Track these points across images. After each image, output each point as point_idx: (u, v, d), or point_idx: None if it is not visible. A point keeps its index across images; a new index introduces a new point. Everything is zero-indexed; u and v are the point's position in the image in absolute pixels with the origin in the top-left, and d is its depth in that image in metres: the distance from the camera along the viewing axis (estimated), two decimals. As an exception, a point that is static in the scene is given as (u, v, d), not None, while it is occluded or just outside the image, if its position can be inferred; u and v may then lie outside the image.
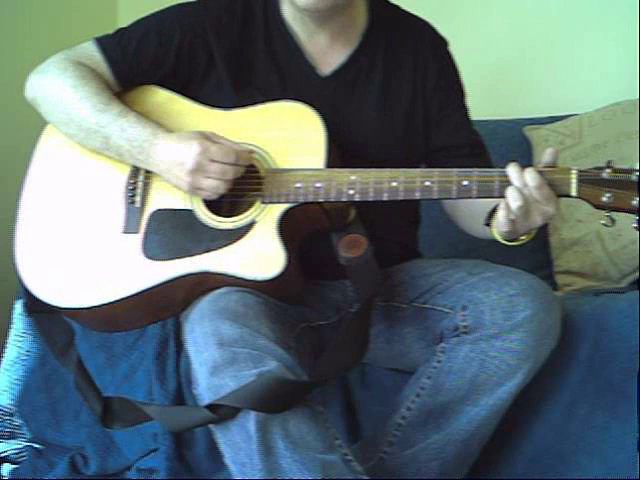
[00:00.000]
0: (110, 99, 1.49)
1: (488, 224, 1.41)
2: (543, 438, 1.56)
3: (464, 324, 1.44)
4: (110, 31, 1.58)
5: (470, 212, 1.55)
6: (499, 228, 1.36)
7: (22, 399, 1.89)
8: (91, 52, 1.55)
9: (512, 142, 2.29)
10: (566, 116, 2.28)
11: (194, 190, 1.42)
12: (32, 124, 1.58)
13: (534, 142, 2.26)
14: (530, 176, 1.32)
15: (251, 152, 1.44)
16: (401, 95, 1.58)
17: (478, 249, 1.74)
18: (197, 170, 1.39)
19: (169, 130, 1.46)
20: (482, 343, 1.42)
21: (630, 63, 2.28)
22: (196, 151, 1.39)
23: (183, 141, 1.41)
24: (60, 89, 1.50)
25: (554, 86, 2.47)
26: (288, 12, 1.56)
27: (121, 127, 1.45)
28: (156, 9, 1.59)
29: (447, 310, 1.48)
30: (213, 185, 1.41)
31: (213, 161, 1.39)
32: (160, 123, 1.49)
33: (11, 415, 1.89)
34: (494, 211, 1.37)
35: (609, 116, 2.20)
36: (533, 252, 2.11)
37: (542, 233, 2.16)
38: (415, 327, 1.54)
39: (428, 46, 1.62)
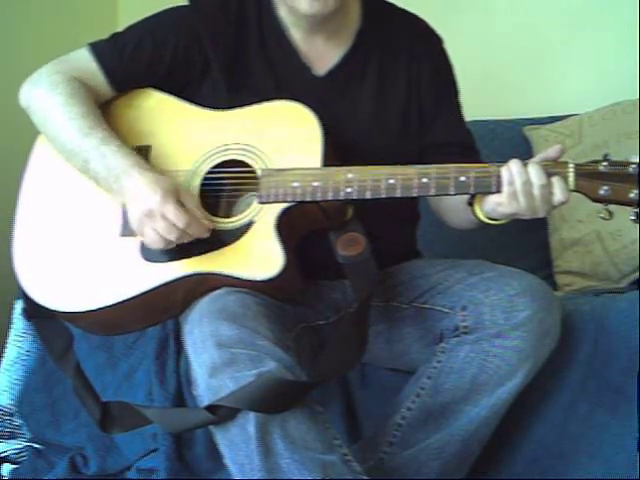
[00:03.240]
0: (96, 123, 1.48)
1: (471, 203, 1.41)
2: (543, 438, 1.56)
3: (464, 324, 1.44)
4: (110, 32, 1.58)
5: (453, 202, 1.55)
6: (500, 209, 1.37)
7: (22, 399, 1.89)
8: (86, 59, 1.54)
9: (512, 142, 2.29)
10: (566, 116, 2.29)
11: (138, 230, 1.42)
12: (32, 125, 1.58)
13: (534, 142, 2.26)
14: (534, 172, 1.33)
15: (208, 228, 1.42)
16: (396, 94, 1.58)
17: (478, 249, 1.75)
18: (146, 216, 1.39)
19: (146, 168, 1.44)
20: (482, 343, 1.42)
21: (630, 63, 2.28)
22: (154, 200, 1.38)
23: (152, 185, 1.40)
24: (49, 106, 1.50)
25: (554, 86, 2.47)
26: (283, 13, 1.56)
27: (102, 154, 1.45)
28: (156, 10, 1.58)
29: (447, 310, 1.48)
30: (152, 237, 1.40)
31: (164, 218, 1.38)
32: (155, 128, 1.51)
33: (11, 415, 1.89)
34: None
35: (609, 116, 2.20)
36: (533, 252, 2.12)
37: (542, 233, 2.16)
38: (415, 327, 1.54)
39: (423, 43, 1.61)
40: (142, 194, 1.40)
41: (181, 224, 1.38)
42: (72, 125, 1.47)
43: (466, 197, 1.44)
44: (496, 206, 1.38)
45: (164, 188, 1.40)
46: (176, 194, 1.40)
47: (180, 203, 1.40)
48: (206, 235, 1.42)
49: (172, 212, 1.38)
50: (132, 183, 1.42)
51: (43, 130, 1.54)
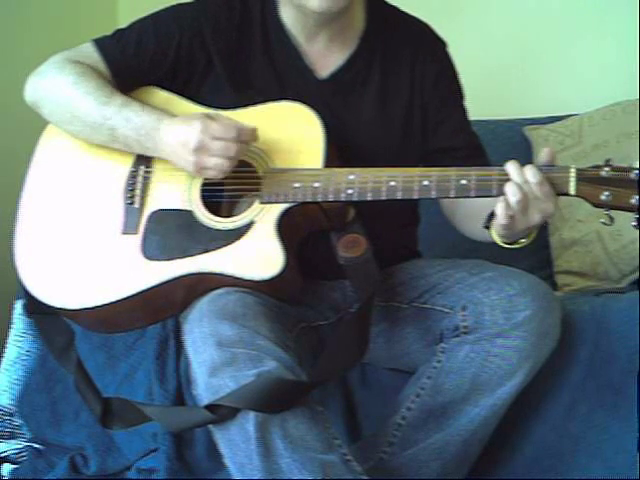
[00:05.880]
0: (112, 92, 1.49)
1: (487, 227, 1.40)
2: (543, 438, 1.56)
3: (464, 324, 1.44)
4: (110, 31, 1.58)
5: (469, 214, 1.54)
6: (498, 221, 1.34)
7: (22, 399, 1.88)
8: (90, 53, 1.55)
9: (512, 142, 2.29)
10: (566, 116, 2.29)
11: (200, 170, 1.42)
12: (32, 124, 1.58)
13: (534, 142, 2.26)
14: (531, 172, 1.31)
15: (254, 129, 1.43)
16: (399, 97, 1.58)
17: (478, 249, 1.74)
18: (200, 148, 1.39)
19: (171, 115, 1.46)
20: (482, 343, 1.42)
21: (630, 63, 2.28)
22: (197, 129, 1.39)
23: (186, 122, 1.42)
24: (61, 87, 1.50)
25: (554, 86, 2.47)
26: (287, 14, 1.55)
27: (126, 117, 1.46)
28: (156, 9, 1.59)
29: (447, 310, 1.48)
30: (217, 163, 1.40)
31: (215, 138, 1.39)
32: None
33: (11, 415, 1.89)
34: (493, 214, 1.36)
35: (609, 116, 2.20)
36: (533, 252, 2.11)
37: (542, 233, 2.16)
38: (415, 327, 1.54)
39: (426, 47, 1.61)
40: (181, 135, 1.40)
41: (233, 133, 1.39)
42: (89, 98, 1.47)
43: (481, 214, 1.42)
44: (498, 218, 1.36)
45: (197, 117, 1.41)
46: (209, 116, 1.42)
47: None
48: (257, 135, 1.43)
49: (218, 129, 1.39)
50: (166, 134, 1.42)
51: (56, 117, 1.54)
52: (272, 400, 1.26)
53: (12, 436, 1.89)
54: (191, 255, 1.42)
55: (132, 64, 1.54)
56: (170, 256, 1.43)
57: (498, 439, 1.50)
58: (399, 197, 1.39)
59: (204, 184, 1.48)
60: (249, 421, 1.27)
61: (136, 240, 1.46)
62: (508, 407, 1.45)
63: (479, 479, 1.53)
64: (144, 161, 1.51)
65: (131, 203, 1.49)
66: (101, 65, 1.54)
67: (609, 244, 2.07)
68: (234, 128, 1.40)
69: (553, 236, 2.16)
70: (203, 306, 1.36)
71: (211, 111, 1.48)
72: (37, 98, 1.54)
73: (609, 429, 1.52)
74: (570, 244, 2.12)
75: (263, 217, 1.42)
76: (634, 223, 1.30)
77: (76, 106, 1.49)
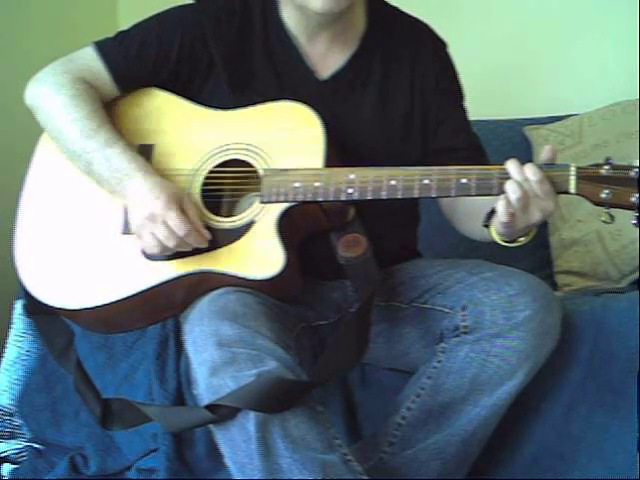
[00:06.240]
0: (99, 125, 1.48)
1: (487, 225, 1.41)
2: (543, 438, 1.56)
3: (464, 324, 1.44)
4: (111, 32, 1.58)
5: (468, 213, 1.54)
6: (498, 219, 1.34)
7: (22, 399, 1.88)
8: (91, 58, 1.54)
9: (512, 142, 2.29)
10: (566, 116, 2.29)
11: (138, 233, 1.42)
12: (32, 124, 1.58)
13: (534, 142, 2.26)
14: (531, 170, 1.31)
15: (205, 239, 1.42)
16: (399, 98, 1.58)
17: (478, 249, 1.74)
18: (148, 220, 1.39)
19: (150, 172, 1.45)
20: (482, 343, 1.42)
21: (630, 63, 2.28)
22: (157, 204, 1.39)
23: (155, 189, 1.40)
24: (52, 107, 1.50)
25: (554, 86, 2.47)
26: (288, 14, 1.55)
27: (106, 157, 1.45)
28: (156, 10, 1.58)
29: (447, 310, 1.48)
30: (150, 242, 1.40)
31: (165, 224, 1.38)
32: (159, 127, 1.51)
33: (11, 415, 1.89)
34: (492, 213, 1.37)
35: (609, 116, 2.20)
36: (533, 252, 2.11)
37: (542, 233, 2.16)
38: (415, 327, 1.54)
39: (427, 48, 1.61)
40: (145, 198, 1.40)
41: (182, 232, 1.38)
42: (75, 127, 1.47)
43: (481, 213, 1.42)
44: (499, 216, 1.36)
45: (167, 193, 1.40)
46: (179, 201, 1.41)
47: (182, 210, 1.40)
48: (204, 246, 1.42)
49: (173, 219, 1.38)
50: (136, 186, 1.42)
51: (46, 129, 1.55)
52: (272, 400, 1.26)
53: (12, 436, 1.89)
54: (191, 255, 1.42)
55: (134, 68, 1.54)
56: (170, 256, 1.43)
57: (498, 439, 1.50)
58: (399, 196, 1.38)
59: (204, 184, 1.48)
60: (249, 421, 1.27)
61: (136, 240, 1.46)
62: (508, 407, 1.45)
63: (479, 479, 1.53)
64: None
65: (131, 203, 1.49)
66: (102, 71, 1.53)
67: (609, 244, 2.07)
68: (186, 228, 1.38)
69: (553, 236, 2.16)
70: (203, 306, 1.37)
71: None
72: (34, 105, 1.55)
73: (609, 429, 1.52)
74: (570, 244, 2.12)
75: (263, 217, 1.42)
76: (634, 221, 1.30)
77: (61, 131, 1.49)
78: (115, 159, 1.45)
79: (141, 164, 1.45)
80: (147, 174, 1.43)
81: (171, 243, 1.39)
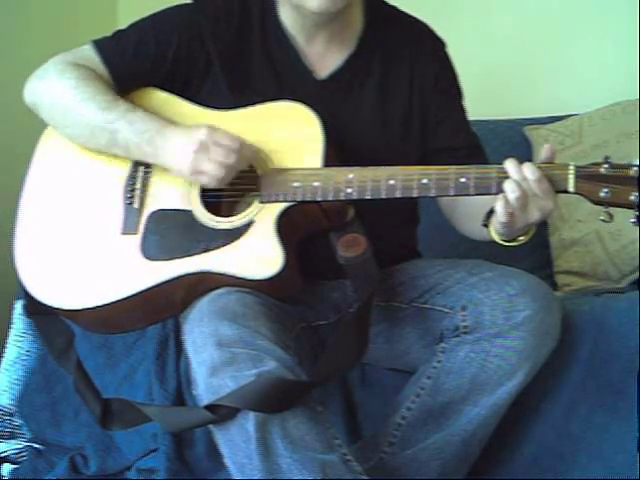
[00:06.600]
0: (115, 97, 1.49)
1: (486, 225, 1.41)
2: (543, 438, 1.56)
3: (464, 324, 1.44)
4: (110, 32, 1.58)
5: (467, 213, 1.54)
6: (497, 219, 1.34)
7: (22, 399, 1.88)
8: (89, 55, 1.54)
9: (512, 142, 2.29)
10: (566, 116, 2.29)
11: (195, 173, 1.41)
12: (32, 124, 1.58)
13: (534, 142, 2.26)
14: (529, 170, 1.31)
15: (256, 149, 1.44)
16: (398, 97, 1.58)
17: (478, 249, 1.74)
18: (201, 150, 1.39)
19: (176, 123, 1.47)
20: (482, 343, 1.42)
21: (630, 63, 2.28)
22: (203, 132, 1.40)
23: (189, 128, 1.43)
24: (60, 92, 1.50)
25: (554, 86, 2.47)
26: (286, 14, 1.55)
27: (129, 121, 1.46)
28: (156, 9, 1.59)
29: (447, 310, 1.48)
30: (214, 168, 1.40)
31: (218, 145, 1.39)
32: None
33: (11, 415, 1.89)
34: (491, 212, 1.37)
35: (609, 116, 2.20)
36: (533, 252, 2.11)
37: (542, 233, 2.16)
38: (415, 327, 1.54)
39: (426, 48, 1.61)
40: (185, 137, 1.41)
41: (236, 144, 1.40)
42: (90, 104, 1.47)
43: (480, 213, 1.42)
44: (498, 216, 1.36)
45: (203, 125, 1.42)
46: (214, 126, 1.42)
47: None
48: (254, 159, 1.43)
49: (223, 135, 1.40)
50: (169, 136, 1.43)
51: (55, 121, 1.54)
52: (272, 400, 1.26)
53: (12, 436, 1.89)
54: (191, 255, 1.42)
55: (132, 67, 1.54)
56: (170, 256, 1.43)
57: (498, 439, 1.50)
58: (398, 196, 1.39)
59: (204, 184, 1.48)
60: (249, 421, 1.27)
61: (136, 240, 1.46)
62: (508, 407, 1.45)
63: (479, 479, 1.53)
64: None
65: (131, 203, 1.49)
66: (101, 68, 1.53)
67: (609, 244, 2.07)
68: (238, 140, 1.41)
69: (553, 236, 2.16)
70: (203, 306, 1.36)
71: (211, 111, 1.48)
72: (36, 100, 1.54)
73: (609, 429, 1.52)
74: (570, 244, 2.12)
75: (263, 216, 1.42)
76: (633, 220, 1.30)
77: (77, 110, 1.49)
78: (139, 122, 1.45)
79: (166, 121, 1.46)
80: (174, 126, 1.45)
81: (232, 159, 1.39)
